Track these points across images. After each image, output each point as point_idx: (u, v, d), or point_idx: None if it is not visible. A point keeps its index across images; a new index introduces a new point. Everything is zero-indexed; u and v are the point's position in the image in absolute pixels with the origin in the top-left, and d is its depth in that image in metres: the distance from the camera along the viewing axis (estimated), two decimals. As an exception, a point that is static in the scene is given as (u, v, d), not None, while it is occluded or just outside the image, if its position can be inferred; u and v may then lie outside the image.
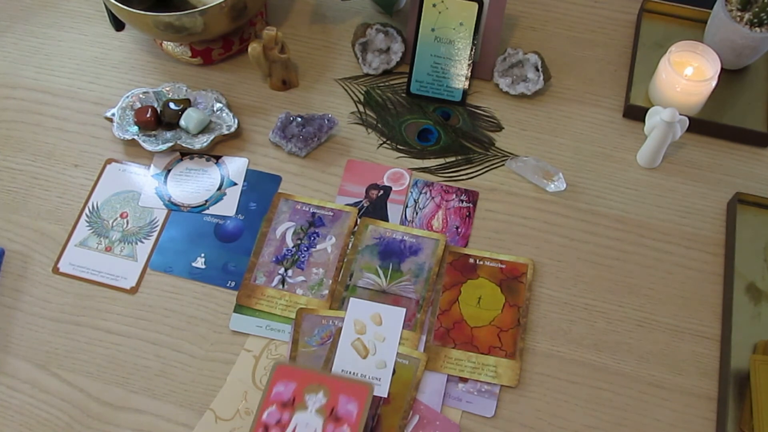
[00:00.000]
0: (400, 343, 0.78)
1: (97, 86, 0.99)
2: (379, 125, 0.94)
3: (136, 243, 0.86)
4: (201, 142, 0.90)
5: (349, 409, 0.68)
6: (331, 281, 0.82)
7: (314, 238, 0.85)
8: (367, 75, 0.98)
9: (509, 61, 0.95)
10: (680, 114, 0.83)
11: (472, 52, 0.92)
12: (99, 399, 0.77)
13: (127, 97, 0.94)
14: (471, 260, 0.83)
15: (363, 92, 0.97)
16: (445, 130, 0.93)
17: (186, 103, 0.92)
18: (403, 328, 0.79)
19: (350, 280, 0.82)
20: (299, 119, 0.91)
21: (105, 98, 0.97)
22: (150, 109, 0.91)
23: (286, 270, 0.83)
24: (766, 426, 0.70)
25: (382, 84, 0.97)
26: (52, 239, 0.87)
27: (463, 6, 0.90)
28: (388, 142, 0.93)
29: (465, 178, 0.90)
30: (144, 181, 0.90)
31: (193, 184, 0.90)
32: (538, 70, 0.93)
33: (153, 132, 0.92)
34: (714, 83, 0.87)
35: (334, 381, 0.69)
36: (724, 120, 0.91)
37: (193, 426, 0.75)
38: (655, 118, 0.84)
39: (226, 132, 0.91)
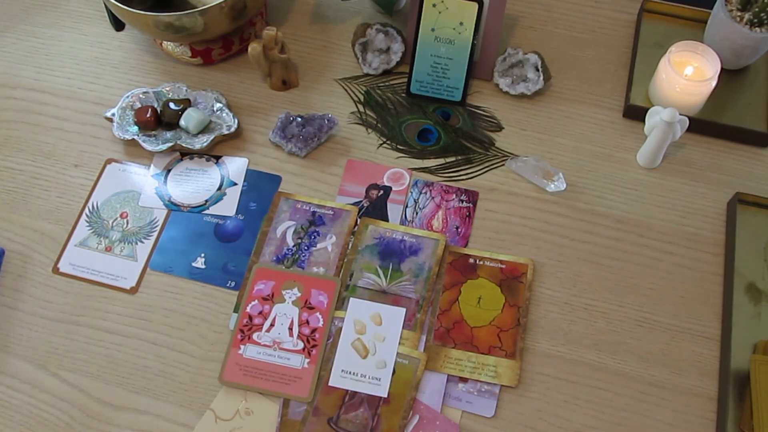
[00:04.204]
0: (400, 343, 0.78)
1: (97, 86, 0.99)
2: (379, 125, 0.94)
3: (136, 243, 0.86)
4: (201, 142, 0.90)
5: (320, 299, 0.80)
6: (331, 281, 0.83)
7: (315, 237, 0.85)
8: (367, 75, 0.98)
9: (509, 61, 0.95)
10: (680, 114, 0.84)
11: (472, 52, 0.92)
12: (99, 399, 0.77)
13: (127, 97, 0.94)
14: (471, 260, 0.83)
15: (363, 92, 0.97)
16: (445, 130, 0.93)
17: (186, 103, 0.92)
18: (403, 328, 0.79)
19: (350, 279, 0.82)
20: (299, 119, 0.91)
21: (105, 98, 0.97)
22: (150, 109, 0.91)
23: (286, 269, 0.83)
24: (766, 426, 0.70)
25: (382, 84, 0.97)
26: (52, 239, 0.87)
27: (463, 6, 0.90)
28: (388, 142, 0.93)
29: (465, 178, 0.90)
30: (144, 181, 0.90)
31: (193, 184, 0.90)
32: (538, 70, 0.93)
33: (153, 132, 0.92)
34: (714, 83, 0.87)
35: (306, 278, 0.81)
36: (724, 120, 0.91)
37: (193, 426, 0.75)
38: (655, 118, 0.84)
39: (226, 132, 0.91)
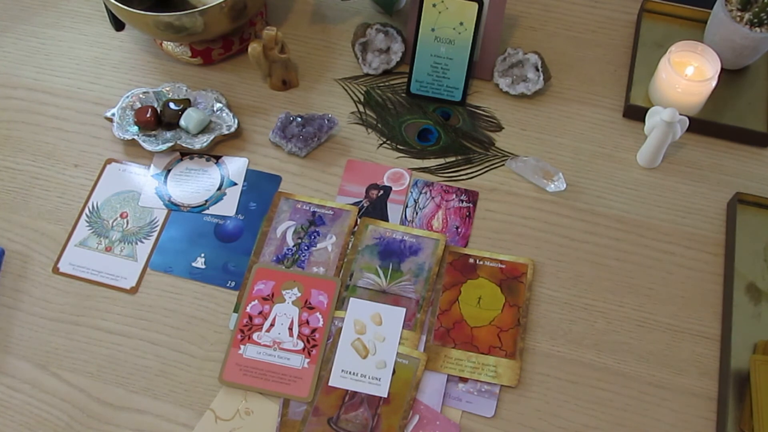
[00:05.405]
0: (400, 343, 0.78)
1: (97, 86, 0.99)
2: (379, 125, 0.94)
3: (136, 243, 0.86)
4: (201, 142, 0.90)
5: (320, 299, 0.80)
6: (331, 281, 0.83)
7: (315, 237, 0.85)
8: (367, 75, 0.98)
9: (509, 61, 0.95)
10: (680, 114, 0.84)
11: (472, 52, 0.92)
12: (99, 399, 0.77)
13: (127, 97, 0.94)
14: (471, 260, 0.83)
15: (363, 92, 0.97)
16: (445, 130, 0.93)
17: (186, 103, 0.92)
18: (403, 328, 0.79)
19: (350, 280, 0.82)
20: (299, 119, 0.91)
21: (105, 98, 0.97)
22: (150, 109, 0.91)
23: (286, 269, 0.83)
24: (766, 426, 0.70)
25: (382, 84, 0.97)
26: (52, 239, 0.87)
27: (463, 6, 0.90)
28: (388, 142, 0.93)
29: (465, 178, 0.90)
30: (144, 181, 0.90)
31: (193, 184, 0.90)
32: (538, 70, 0.93)
33: (153, 132, 0.92)
34: (714, 83, 0.87)
35: (306, 278, 0.81)
36: (724, 120, 0.91)
37: (193, 426, 0.75)
38: (655, 118, 0.84)
39: (226, 132, 0.91)
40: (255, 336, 0.78)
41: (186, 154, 0.92)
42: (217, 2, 0.87)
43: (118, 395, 0.77)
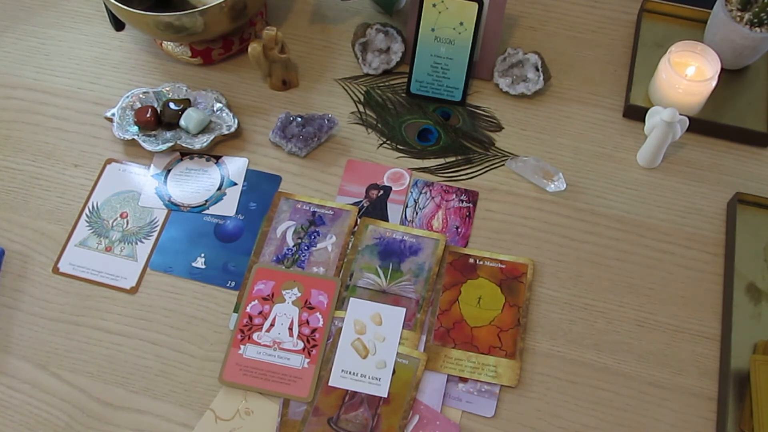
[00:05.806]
0: (400, 343, 0.78)
1: (97, 86, 0.99)
2: (379, 125, 0.94)
3: (136, 243, 0.86)
4: (201, 142, 0.90)
5: (320, 299, 0.80)
6: (331, 281, 0.83)
7: (315, 237, 0.85)
8: (367, 75, 0.98)
9: (509, 61, 0.95)
10: (680, 114, 0.84)
11: (472, 52, 0.92)
12: (99, 399, 0.77)
13: (127, 97, 0.94)
14: (471, 260, 0.83)
15: (363, 92, 0.97)
16: (445, 130, 0.93)
17: (186, 103, 0.92)
18: (403, 328, 0.79)
19: (350, 280, 0.82)
20: (299, 119, 0.91)
21: (105, 98, 0.97)
22: (150, 109, 0.91)
23: (286, 269, 0.83)
24: (766, 426, 0.70)
25: (382, 84, 0.97)
26: (52, 239, 0.87)
27: (463, 6, 0.90)
28: (388, 142, 0.93)
29: (465, 178, 0.90)
30: (144, 181, 0.90)
31: (193, 184, 0.90)
32: (538, 70, 0.93)
33: (153, 132, 0.92)
34: (714, 83, 0.87)
35: (307, 278, 0.81)
36: (724, 120, 0.91)
37: (193, 426, 0.75)
38: (655, 118, 0.84)
39: (226, 132, 0.91)
40: (255, 336, 0.78)
41: (186, 154, 0.92)
42: (217, 2, 0.87)
43: (118, 395, 0.77)
